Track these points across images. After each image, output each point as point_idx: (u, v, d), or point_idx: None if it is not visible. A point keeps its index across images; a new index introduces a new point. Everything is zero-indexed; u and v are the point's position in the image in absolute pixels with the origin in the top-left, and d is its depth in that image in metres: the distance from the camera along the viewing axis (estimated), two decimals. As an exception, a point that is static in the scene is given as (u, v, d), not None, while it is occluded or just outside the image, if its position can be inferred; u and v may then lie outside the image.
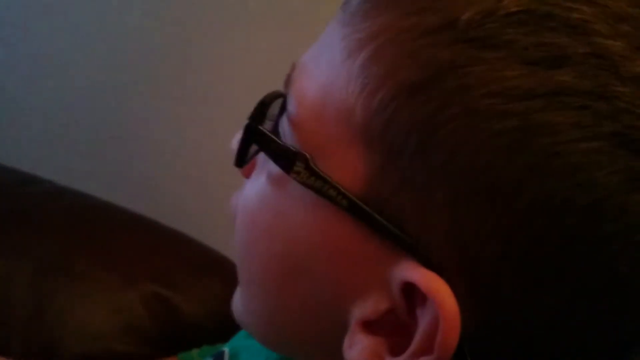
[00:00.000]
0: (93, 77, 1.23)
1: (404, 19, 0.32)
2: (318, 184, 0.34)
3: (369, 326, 0.34)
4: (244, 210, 0.39)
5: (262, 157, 0.39)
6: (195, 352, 0.77)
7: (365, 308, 0.34)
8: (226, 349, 0.62)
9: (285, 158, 0.34)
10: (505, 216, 0.30)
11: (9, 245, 0.92)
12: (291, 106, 0.36)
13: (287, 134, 0.36)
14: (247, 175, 0.40)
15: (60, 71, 1.25)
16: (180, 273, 0.94)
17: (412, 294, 0.33)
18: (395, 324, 0.34)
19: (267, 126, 0.37)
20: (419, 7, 0.31)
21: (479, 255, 0.31)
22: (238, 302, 0.42)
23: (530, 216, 0.30)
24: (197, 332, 0.90)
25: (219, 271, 0.95)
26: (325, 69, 0.34)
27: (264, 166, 0.38)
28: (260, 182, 0.38)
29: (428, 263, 0.32)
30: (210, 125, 1.17)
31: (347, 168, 0.33)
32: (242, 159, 0.38)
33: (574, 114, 0.29)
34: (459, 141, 0.30)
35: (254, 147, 0.37)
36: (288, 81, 0.37)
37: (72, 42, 1.23)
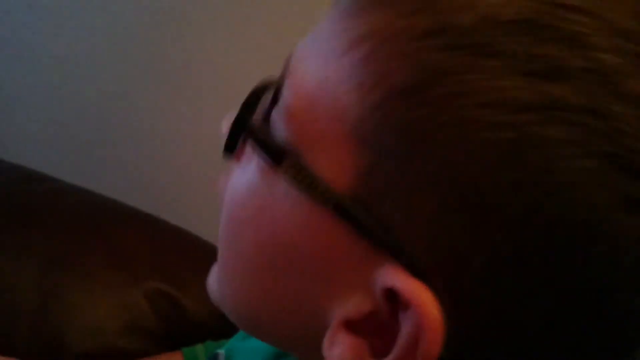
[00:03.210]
0: (98, 75, 1.23)
1: (400, 18, 0.31)
2: (306, 180, 0.33)
3: (351, 326, 0.34)
4: (232, 195, 0.38)
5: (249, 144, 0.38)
6: (199, 347, 0.77)
7: (347, 308, 0.34)
8: (222, 352, 0.61)
9: (274, 152, 0.34)
10: (493, 229, 0.30)
11: (14, 242, 0.92)
12: (286, 96, 0.35)
13: (278, 125, 0.35)
14: (238, 159, 0.39)
15: (66, 68, 1.25)
16: (185, 270, 0.94)
17: (395, 297, 0.32)
18: (378, 326, 0.33)
19: (257, 115, 0.36)
20: (416, 7, 0.30)
21: (465, 266, 0.31)
22: (214, 282, 0.41)
23: (518, 231, 0.30)
24: (201, 329, 0.90)
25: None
26: (321, 63, 0.33)
27: (252, 155, 0.37)
28: (249, 170, 0.37)
29: (413, 270, 0.31)
30: (218, 126, 1.17)
31: (337, 166, 0.32)
32: (232, 148, 0.37)
33: (569, 130, 0.28)
34: (450, 150, 0.29)
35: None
36: (284, 71, 0.36)
37: (77, 41, 1.23)
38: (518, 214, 0.29)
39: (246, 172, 0.38)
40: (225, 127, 0.39)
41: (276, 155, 0.34)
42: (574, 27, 0.29)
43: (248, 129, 0.35)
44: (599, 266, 0.30)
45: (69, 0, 1.21)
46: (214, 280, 0.41)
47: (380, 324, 0.33)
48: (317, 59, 0.34)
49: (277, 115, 0.35)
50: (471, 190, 0.29)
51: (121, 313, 0.88)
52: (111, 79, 1.23)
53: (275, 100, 0.36)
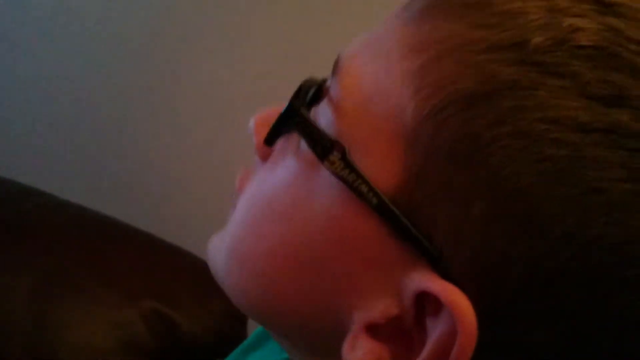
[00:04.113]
0: (93, 91, 1.23)
1: (472, 30, 0.32)
2: (351, 177, 0.33)
3: (373, 330, 0.34)
4: (258, 192, 0.38)
5: (283, 142, 0.38)
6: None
7: (372, 311, 0.34)
8: None
9: (323, 145, 0.34)
10: (537, 242, 0.30)
11: (9, 259, 0.92)
12: (337, 93, 0.35)
13: (326, 122, 0.35)
14: (265, 159, 0.39)
15: (61, 83, 1.25)
16: (180, 290, 0.94)
17: (423, 303, 0.33)
18: (400, 331, 0.33)
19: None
20: (490, 22, 0.31)
21: (502, 277, 0.31)
22: (222, 260, 0.41)
23: (561, 246, 0.30)
24: (196, 348, 0.89)
25: (219, 288, 0.94)
26: (380, 63, 0.34)
27: (287, 152, 0.37)
28: (281, 167, 0.37)
29: (447, 276, 0.32)
30: (216, 143, 1.17)
31: (384, 166, 0.33)
32: (274, 139, 0.37)
33: (625, 154, 0.30)
34: (506, 160, 0.30)
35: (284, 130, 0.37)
36: (335, 67, 0.36)
37: (71, 55, 1.23)
38: (565, 229, 0.30)
39: (276, 169, 0.38)
40: (253, 123, 0.39)
41: (324, 149, 0.34)
42: (638, 59, 0.30)
43: (298, 121, 0.35)
44: (634, 292, 0.31)
45: (63, 17, 1.21)
46: (220, 250, 0.40)
47: (403, 329, 0.33)
48: (376, 61, 0.34)
49: (327, 111, 0.36)
50: (522, 202, 0.30)
51: (115, 331, 0.87)
52: (106, 96, 1.23)
53: (317, 96, 0.36)
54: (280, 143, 0.38)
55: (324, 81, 0.37)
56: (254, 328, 0.97)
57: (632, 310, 0.31)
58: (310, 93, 0.37)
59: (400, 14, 0.35)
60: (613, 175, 0.30)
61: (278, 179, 0.37)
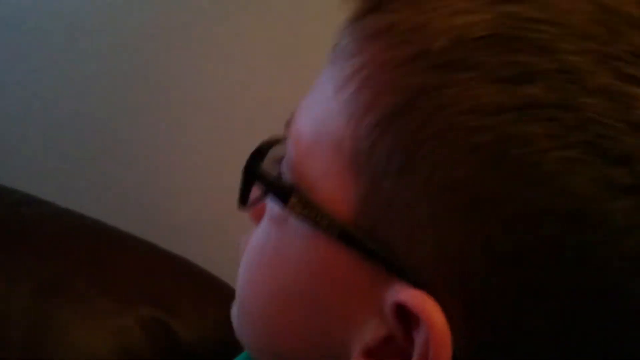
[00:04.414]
0: (92, 98, 1.23)
1: (384, 52, 0.34)
2: (312, 214, 0.35)
3: (371, 354, 0.35)
4: (251, 246, 0.41)
5: (267, 202, 0.40)
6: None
7: (365, 336, 0.35)
8: None
9: (281, 192, 0.36)
10: (486, 229, 0.31)
11: (6, 266, 0.91)
12: (289, 147, 0.38)
13: (285, 172, 0.38)
14: (257, 221, 0.42)
15: (61, 90, 1.25)
16: (178, 297, 0.93)
17: (407, 317, 0.34)
18: (396, 349, 0.34)
19: (272, 170, 0.39)
20: (397, 41, 0.33)
21: (466, 271, 0.32)
22: (237, 322, 0.43)
23: (512, 228, 0.31)
24: (194, 356, 0.89)
25: (218, 296, 0.95)
26: (317, 106, 0.37)
27: (268, 208, 0.40)
28: (265, 223, 0.40)
29: (417, 283, 0.33)
30: (215, 151, 1.17)
31: (339, 197, 0.35)
32: (244, 199, 0.40)
33: (544, 124, 0.31)
34: (438, 158, 0.32)
35: (258, 192, 0.39)
36: (287, 124, 0.39)
37: (69, 62, 1.23)
38: (509, 209, 0.31)
39: (261, 226, 0.41)
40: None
41: (283, 196, 0.36)
42: (541, 36, 0.31)
43: (255, 176, 0.39)
44: (597, 257, 0.31)
45: (61, 21, 1.22)
46: (234, 317, 0.44)
47: (398, 348, 0.34)
48: (315, 105, 0.37)
49: (285, 165, 0.38)
50: (462, 194, 0.32)
51: (113, 339, 0.87)
52: (104, 103, 1.23)
53: (283, 154, 0.39)
54: (266, 204, 0.40)
55: (284, 138, 0.40)
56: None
57: (604, 278, 0.31)
58: (271, 149, 0.40)
59: (330, 56, 0.37)
60: (540, 147, 0.30)
61: (263, 234, 0.40)
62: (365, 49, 0.35)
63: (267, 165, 0.39)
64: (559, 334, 0.32)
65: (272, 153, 0.40)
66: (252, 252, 0.41)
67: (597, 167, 0.30)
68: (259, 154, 0.40)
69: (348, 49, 0.36)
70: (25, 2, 1.23)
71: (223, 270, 0.98)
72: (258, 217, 0.42)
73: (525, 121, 0.31)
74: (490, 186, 0.31)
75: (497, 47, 0.31)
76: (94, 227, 1.02)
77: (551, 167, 0.30)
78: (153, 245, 1.01)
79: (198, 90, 1.17)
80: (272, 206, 0.39)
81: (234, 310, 0.44)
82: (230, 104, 1.16)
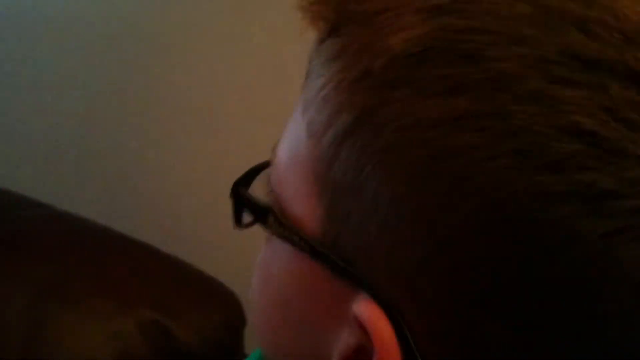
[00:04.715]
0: (89, 103, 1.23)
1: (339, 73, 0.35)
2: (286, 233, 0.37)
3: None
4: (257, 266, 0.43)
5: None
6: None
7: (339, 345, 0.36)
8: None
9: (260, 214, 0.39)
10: (429, 243, 0.32)
11: (4, 270, 0.91)
12: (271, 170, 0.40)
13: (268, 195, 0.40)
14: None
15: (59, 92, 1.25)
16: (177, 300, 0.93)
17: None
18: (369, 358, 0.35)
19: (270, 197, 0.41)
20: (345, 64, 0.35)
21: (417, 284, 0.33)
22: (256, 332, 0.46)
23: (452, 241, 0.31)
24: (193, 359, 0.89)
25: (217, 298, 0.95)
26: (292, 129, 0.38)
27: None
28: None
29: (376, 295, 0.34)
30: (214, 153, 1.17)
31: (307, 216, 0.36)
32: (238, 220, 0.42)
33: (475, 135, 0.30)
34: (382, 175, 0.32)
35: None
36: (273, 149, 0.41)
37: (65, 63, 1.23)
38: (448, 225, 0.31)
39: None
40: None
41: (262, 216, 0.39)
42: (471, 45, 0.31)
43: (240, 199, 0.41)
44: (545, 266, 0.31)
45: (62, 22, 1.22)
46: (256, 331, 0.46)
47: (369, 356, 0.35)
48: (291, 127, 0.39)
49: (267, 187, 0.40)
50: (405, 209, 0.32)
51: (112, 343, 0.87)
52: (101, 105, 1.23)
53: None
54: None
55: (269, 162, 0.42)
56: (250, 338, 0.97)
57: (549, 285, 0.31)
58: (261, 174, 0.42)
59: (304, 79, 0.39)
60: (472, 159, 0.30)
61: (263, 254, 0.42)
62: (325, 70, 0.36)
63: (260, 188, 0.41)
64: (513, 342, 0.32)
65: (263, 176, 0.42)
66: (256, 268, 0.43)
67: (529, 174, 0.30)
68: (245, 178, 0.42)
69: (315, 71, 0.37)
70: (24, 2, 1.23)
71: (222, 272, 0.98)
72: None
73: (457, 133, 0.31)
74: (428, 202, 0.31)
75: (430, 62, 0.32)
76: (92, 229, 1.02)
77: (484, 179, 0.30)
78: (152, 248, 1.01)
79: (194, 93, 1.17)
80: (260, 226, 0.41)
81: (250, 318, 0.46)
82: (228, 106, 1.16)
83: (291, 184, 0.38)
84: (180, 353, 0.89)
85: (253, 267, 0.44)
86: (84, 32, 1.21)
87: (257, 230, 0.43)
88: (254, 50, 1.12)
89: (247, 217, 0.42)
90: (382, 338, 0.33)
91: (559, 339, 0.32)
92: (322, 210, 0.35)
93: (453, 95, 0.31)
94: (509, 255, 0.31)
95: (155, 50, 1.18)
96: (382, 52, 0.33)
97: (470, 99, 0.31)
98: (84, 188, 1.25)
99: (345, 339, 0.36)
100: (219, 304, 0.93)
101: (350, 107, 0.34)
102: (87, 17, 1.20)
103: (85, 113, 1.24)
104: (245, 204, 0.41)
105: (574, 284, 0.31)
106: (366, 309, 0.34)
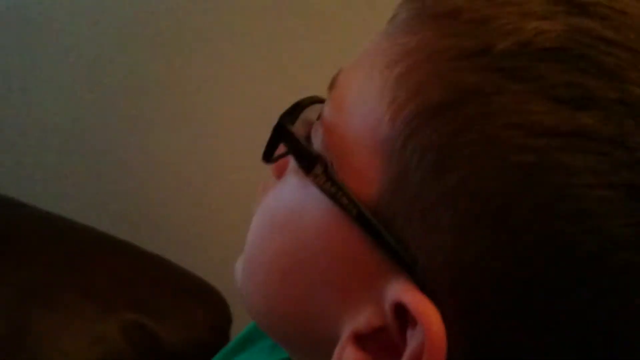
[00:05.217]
0: (80, 104, 1.23)
1: (442, 39, 0.32)
2: (333, 189, 0.34)
3: (360, 341, 0.34)
4: (266, 206, 0.40)
5: (290, 158, 0.39)
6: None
7: (358, 320, 0.34)
8: None
9: (307, 160, 0.35)
10: (507, 249, 0.30)
11: (-16, 271, 0.91)
12: (328, 110, 0.37)
13: (318, 136, 0.36)
14: (279, 177, 0.41)
15: (47, 95, 1.24)
16: (161, 300, 0.93)
17: (404, 314, 0.33)
18: (386, 343, 0.34)
19: (301, 129, 0.38)
20: (458, 30, 0.32)
21: (475, 284, 0.31)
22: (239, 272, 0.43)
23: (532, 254, 0.30)
24: (178, 360, 0.88)
25: (201, 298, 0.94)
26: (363, 78, 0.35)
27: (291, 169, 0.39)
28: (285, 183, 0.39)
29: (424, 286, 0.32)
30: (200, 151, 1.17)
31: (364, 178, 0.34)
32: (269, 155, 0.39)
33: (592, 158, 0.29)
34: (473, 167, 0.30)
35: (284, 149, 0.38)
36: (331, 86, 0.38)
37: (62, 65, 1.22)
38: (534, 237, 0.30)
39: (283, 184, 0.39)
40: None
41: (308, 163, 0.35)
42: (608, 59, 0.29)
43: (284, 137, 0.37)
44: (610, 300, 0.30)
45: (61, 22, 1.21)
46: (240, 270, 0.42)
47: (388, 341, 0.33)
48: (360, 74, 0.35)
49: (319, 127, 0.37)
50: (491, 209, 0.30)
51: (95, 345, 0.86)
52: (92, 110, 1.22)
53: (320, 114, 0.38)
54: (289, 160, 0.39)
55: (323, 99, 0.39)
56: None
57: (612, 320, 0.30)
58: (306, 110, 0.38)
59: (386, 27, 0.36)
60: (581, 182, 0.29)
61: (281, 195, 0.39)
62: (423, 28, 0.33)
63: (297, 124, 0.38)
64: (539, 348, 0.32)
65: (305, 113, 0.39)
66: (267, 209, 0.40)
67: (636, 213, 0.29)
68: (294, 111, 0.38)
69: (406, 24, 0.34)
70: (24, 2, 1.22)
71: (206, 271, 0.98)
72: (280, 173, 0.40)
73: (573, 151, 0.29)
74: (521, 209, 0.30)
75: (562, 63, 0.30)
76: (74, 229, 1.01)
77: (587, 205, 0.29)
78: (136, 247, 1.00)
79: (190, 95, 1.17)
80: (294, 168, 0.38)
81: (239, 264, 0.43)
82: (224, 108, 1.16)
83: (351, 137, 0.35)
84: (164, 353, 0.89)
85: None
86: (84, 32, 1.20)
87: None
88: (254, 50, 1.11)
89: (279, 153, 0.39)
90: (436, 333, 0.31)
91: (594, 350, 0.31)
92: (385, 181, 0.33)
93: (579, 108, 0.29)
94: (585, 291, 0.30)
95: (155, 50, 1.17)
96: (509, 34, 0.30)
97: (597, 117, 0.29)
98: (68, 189, 1.24)
99: (367, 317, 0.34)
100: (204, 303, 0.92)
101: (450, 84, 0.31)
102: (87, 18, 1.20)
103: (68, 113, 1.24)
104: (291, 143, 0.37)
105: None
106: (414, 298, 0.32)
